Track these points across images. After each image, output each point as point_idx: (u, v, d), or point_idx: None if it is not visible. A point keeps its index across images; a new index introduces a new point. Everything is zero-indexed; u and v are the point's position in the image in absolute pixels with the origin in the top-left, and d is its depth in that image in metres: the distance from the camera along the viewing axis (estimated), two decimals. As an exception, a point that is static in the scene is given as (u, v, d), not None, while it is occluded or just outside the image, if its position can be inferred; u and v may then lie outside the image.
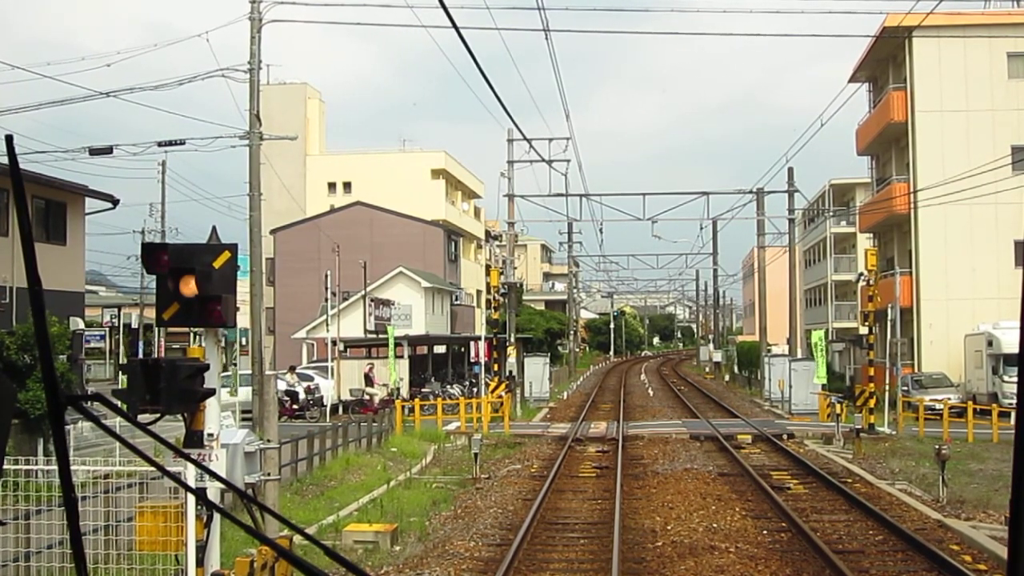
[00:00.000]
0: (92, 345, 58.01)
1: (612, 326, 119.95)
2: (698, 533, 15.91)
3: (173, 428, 18.16)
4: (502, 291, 43.06)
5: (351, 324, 47.64)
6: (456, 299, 63.94)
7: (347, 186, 72.03)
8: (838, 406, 30.65)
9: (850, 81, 51.11)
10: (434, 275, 58.65)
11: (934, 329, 43.31)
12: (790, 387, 40.71)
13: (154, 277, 8.02)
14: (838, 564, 13.12)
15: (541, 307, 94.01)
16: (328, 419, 34.13)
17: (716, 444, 28.73)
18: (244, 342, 40.43)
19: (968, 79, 43.46)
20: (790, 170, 50.40)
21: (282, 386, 35.00)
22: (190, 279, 7.71)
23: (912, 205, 43.43)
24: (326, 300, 45.11)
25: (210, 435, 8.11)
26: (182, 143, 28.14)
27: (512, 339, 45.68)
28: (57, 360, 20.10)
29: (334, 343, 40.71)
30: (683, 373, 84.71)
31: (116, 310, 67.18)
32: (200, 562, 8.22)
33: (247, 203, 27.48)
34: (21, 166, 1.81)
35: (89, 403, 1.87)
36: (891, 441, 29.38)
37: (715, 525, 16.57)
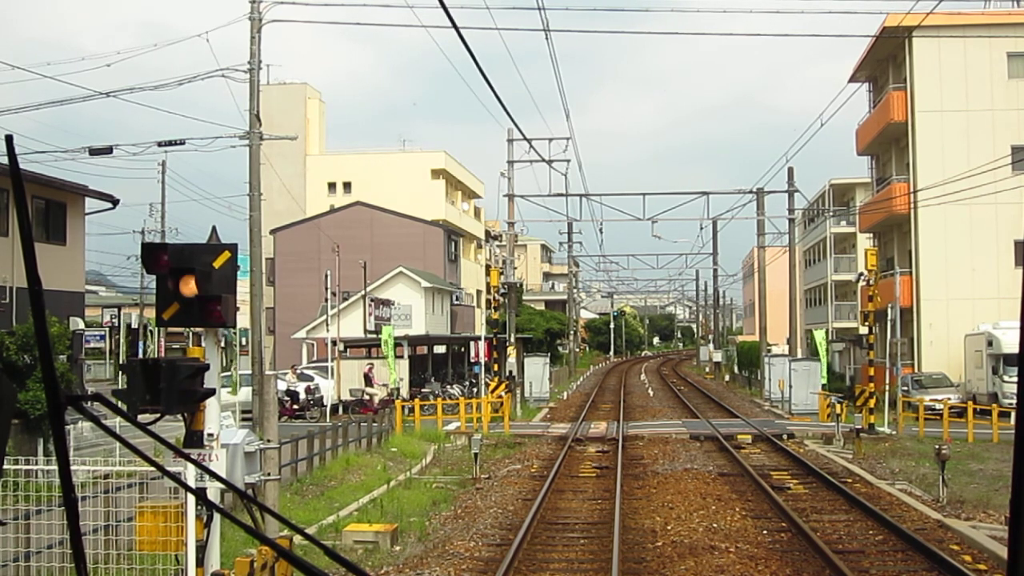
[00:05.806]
0: (92, 345, 58.06)
1: (612, 326, 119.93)
2: (698, 533, 15.91)
3: (173, 428, 18.19)
4: (502, 291, 43.03)
5: (351, 324, 47.63)
6: (456, 299, 63.92)
7: (347, 186, 72.03)
8: (838, 406, 30.64)
9: (850, 81, 51.13)
10: (434, 275, 58.64)
11: (934, 329, 43.30)
12: (790, 387, 40.70)
13: (154, 277, 8.03)
14: (838, 564, 13.11)
15: (541, 307, 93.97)
16: (328, 419, 34.12)
17: (716, 444, 28.72)
18: (244, 342, 40.43)
19: (968, 79, 43.45)
20: (790, 170, 50.44)
21: (282, 386, 34.99)
22: (190, 279, 7.71)
23: (912, 205, 43.42)
24: (326, 300, 45.10)
25: (210, 435, 8.12)
26: (182, 143, 28.15)
27: (512, 339, 45.66)
28: (57, 360, 20.10)
29: (334, 343, 40.69)
30: (683, 373, 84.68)
31: (116, 310, 67.26)
32: (200, 562, 8.22)
33: (247, 203, 27.49)
34: (21, 166, 1.81)
35: (89, 403, 1.87)
36: (891, 441, 29.37)
37: (715, 525, 16.57)
